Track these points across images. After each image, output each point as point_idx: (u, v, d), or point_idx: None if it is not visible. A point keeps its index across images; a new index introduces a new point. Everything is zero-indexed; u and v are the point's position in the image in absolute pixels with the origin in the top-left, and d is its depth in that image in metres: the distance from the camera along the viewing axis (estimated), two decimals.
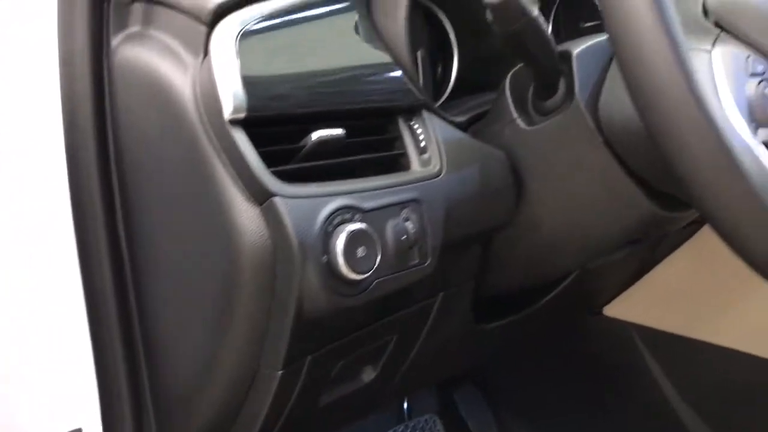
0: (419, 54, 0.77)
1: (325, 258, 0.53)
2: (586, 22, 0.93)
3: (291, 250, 0.52)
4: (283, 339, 0.56)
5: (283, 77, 0.56)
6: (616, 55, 0.47)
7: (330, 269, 0.53)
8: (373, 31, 0.63)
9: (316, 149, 0.57)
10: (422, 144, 0.64)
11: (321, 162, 0.57)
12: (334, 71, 0.60)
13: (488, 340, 0.89)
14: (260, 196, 0.52)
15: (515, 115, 0.67)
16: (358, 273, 0.54)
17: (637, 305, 1.11)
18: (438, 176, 0.63)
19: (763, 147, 0.48)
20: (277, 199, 0.52)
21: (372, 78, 0.62)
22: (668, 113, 0.45)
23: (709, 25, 0.56)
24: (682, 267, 1.03)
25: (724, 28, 0.55)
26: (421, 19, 0.78)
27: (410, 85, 0.64)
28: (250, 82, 0.54)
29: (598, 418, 1.19)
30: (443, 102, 0.79)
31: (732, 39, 0.54)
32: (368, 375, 0.75)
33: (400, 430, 1.20)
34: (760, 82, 0.51)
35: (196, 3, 0.57)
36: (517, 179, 0.69)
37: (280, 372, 0.59)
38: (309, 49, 0.59)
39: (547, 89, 0.65)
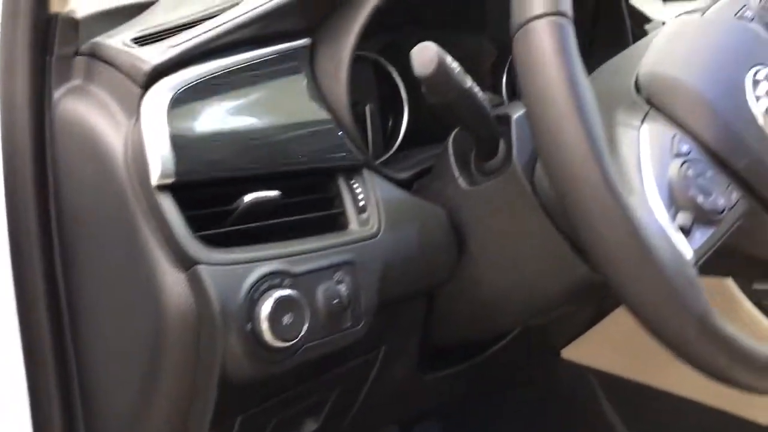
0: (367, 108, 0.77)
1: (249, 326, 0.53)
2: None
3: (213, 319, 0.52)
4: (208, 402, 0.56)
5: (215, 140, 0.57)
6: (534, 136, 0.47)
7: (254, 337, 0.53)
8: (315, 91, 0.64)
9: (250, 211, 0.57)
10: (361, 203, 0.64)
11: (253, 224, 0.57)
12: (271, 133, 0.60)
13: (437, 387, 0.89)
14: (184, 263, 0.52)
15: (457, 174, 0.68)
16: (284, 341, 0.54)
17: (596, 348, 1.12)
18: (376, 236, 0.63)
19: (679, 233, 0.49)
20: (200, 267, 0.52)
21: (311, 139, 0.62)
22: (582, 203, 0.45)
23: (641, 100, 0.56)
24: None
25: (654, 104, 0.55)
26: (372, 72, 0.78)
27: (350, 145, 0.64)
28: (179, 147, 0.54)
29: None
30: (393, 154, 0.79)
31: (661, 116, 0.55)
32: (309, 427, 0.75)
33: None
34: (683, 164, 0.51)
35: (134, 63, 0.57)
36: (458, 237, 0.69)
37: None
38: (246, 111, 0.59)
39: (487, 151, 0.65)
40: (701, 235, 0.50)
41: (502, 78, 0.91)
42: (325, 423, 0.75)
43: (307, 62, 0.65)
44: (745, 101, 0.55)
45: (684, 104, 0.54)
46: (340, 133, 0.63)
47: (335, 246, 0.60)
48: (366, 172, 0.65)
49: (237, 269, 0.54)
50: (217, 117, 0.58)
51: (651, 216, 0.48)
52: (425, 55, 0.52)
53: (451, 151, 0.69)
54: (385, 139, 0.80)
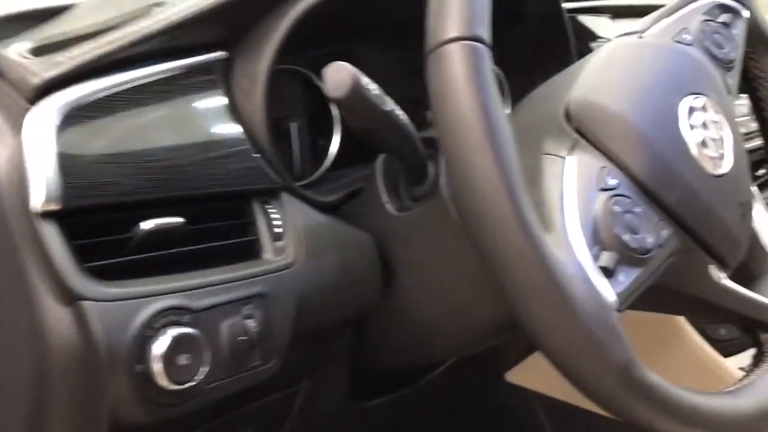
0: (292, 126, 0.73)
1: (140, 367, 0.48)
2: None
3: (98, 359, 0.47)
4: None
5: (111, 162, 0.52)
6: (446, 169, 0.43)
7: (146, 379, 0.49)
8: (229, 109, 0.59)
9: (151, 239, 0.53)
10: (277, 230, 0.59)
11: (152, 254, 0.53)
12: (176, 154, 0.55)
13: (373, 415, 0.85)
14: (68, 298, 0.48)
15: (385, 198, 0.64)
16: (179, 383, 0.49)
17: (540, 371, 1.09)
18: (291, 266, 0.58)
19: (601, 275, 0.45)
20: (85, 303, 0.47)
21: (221, 160, 0.57)
22: (493, 244, 0.42)
23: (569, 129, 0.53)
24: None
25: (582, 133, 0.52)
26: (301, 87, 0.74)
27: (266, 167, 0.60)
28: (68, 169, 0.49)
29: None
30: (323, 175, 0.75)
31: (589, 147, 0.51)
32: None
33: None
34: (609, 199, 0.48)
35: (23, 76, 0.52)
36: (386, 265, 0.65)
37: None
38: (149, 129, 0.55)
39: (416, 175, 0.62)
40: (626, 277, 0.47)
41: None
42: None
43: (222, 77, 0.60)
44: (678, 131, 0.52)
45: (613, 134, 0.51)
46: (254, 155, 0.59)
47: (244, 278, 0.55)
48: (285, 196, 0.61)
49: (128, 305, 0.49)
50: (115, 136, 0.53)
51: (570, 257, 0.45)
52: (338, 75, 0.48)
53: (379, 174, 0.65)
54: (315, 159, 0.76)
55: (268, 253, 0.59)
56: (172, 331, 0.50)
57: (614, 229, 0.47)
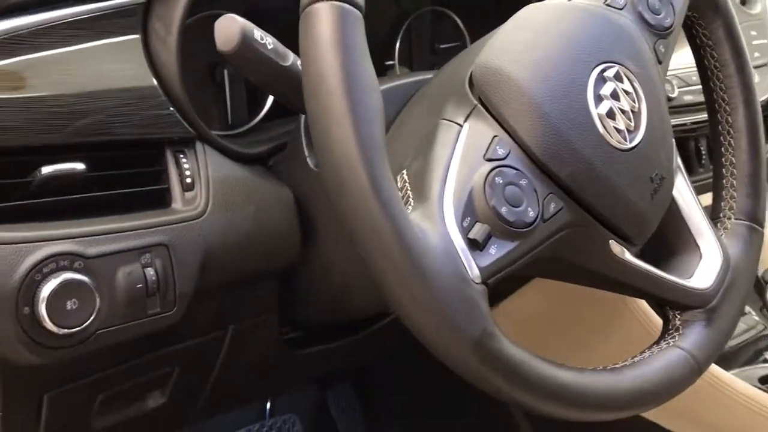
0: (225, 72, 0.72)
1: (27, 309, 0.50)
2: (442, 43, 0.88)
3: None
4: None
5: (9, 106, 0.52)
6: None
7: (32, 322, 0.50)
8: (143, 55, 0.58)
9: (51, 184, 0.53)
10: (188, 180, 0.59)
11: (50, 199, 0.53)
12: (80, 100, 0.55)
13: (311, 362, 0.86)
14: None
15: (307, 153, 0.63)
16: (64, 327, 0.51)
17: (506, 323, 1.09)
18: (200, 217, 0.59)
19: (467, 247, 0.44)
20: None
21: (129, 108, 0.57)
22: (349, 212, 0.41)
23: (471, 96, 0.51)
24: (533, 297, 1.00)
25: (482, 101, 0.51)
26: None
27: (178, 116, 0.59)
28: None
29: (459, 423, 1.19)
30: (258, 124, 0.74)
31: (486, 114, 0.50)
32: (155, 401, 0.73)
33: (256, 429, 1.19)
34: (492, 170, 0.47)
35: None
36: (307, 219, 0.65)
37: None
38: (55, 73, 0.54)
39: None
40: (498, 250, 0.46)
41: (396, 41, 0.86)
42: (172, 397, 0.73)
43: (139, 22, 0.59)
44: (582, 101, 0.50)
45: (509, 101, 0.49)
46: (165, 103, 0.59)
47: (145, 227, 0.56)
48: (199, 146, 0.61)
49: (18, 248, 0.50)
50: (17, 79, 0.53)
51: (435, 228, 0.44)
52: (228, 29, 0.47)
53: (303, 127, 0.64)
54: (255, 108, 0.75)
55: (177, 203, 0.59)
56: (60, 276, 0.50)
57: (491, 201, 0.46)
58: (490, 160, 0.48)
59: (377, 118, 0.42)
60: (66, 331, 0.51)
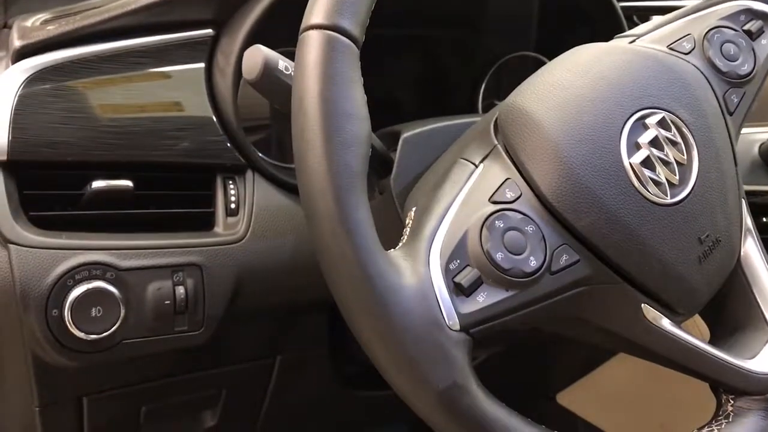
0: None
1: (55, 312, 0.53)
2: None
3: (12, 299, 0.52)
4: (29, 379, 0.57)
5: (69, 124, 0.56)
6: None
7: (59, 324, 0.53)
8: (203, 86, 0.61)
9: (100, 198, 0.57)
10: (233, 206, 0.61)
11: (95, 212, 0.57)
12: (139, 122, 0.59)
13: (364, 406, 0.85)
14: (1, 241, 0.53)
15: None
16: (87, 332, 0.53)
17: (593, 395, 1.01)
18: (238, 242, 0.60)
19: (450, 291, 0.41)
20: (12, 247, 0.53)
21: (182, 133, 0.60)
22: (318, 242, 0.40)
23: (493, 136, 0.48)
24: (630, 365, 0.92)
25: (503, 142, 0.48)
26: None
27: (229, 145, 0.61)
28: (21, 125, 0.54)
29: None
30: None
31: (503, 156, 0.47)
32: (207, 422, 0.75)
33: None
34: (495, 213, 0.44)
35: (14, 41, 0.59)
36: None
37: (37, 409, 0.60)
38: (112, 97, 0.59)
39: (380, 167, 0.60)
40: (487, 298, 0.42)
41: (480, 89, 0.84)
42: (223, 419, 0.75)
43: (205, 54, 0.63)
44: (615, 147, 0.46)
45: (528, 142, 0.46)
46: (220, 132, 0.61)
47: (181, 246, 0.58)
48: (249, 174, 0.63)
49: (54, 254, 0.54)
50: (79, 100, 0.58)
51: (417, 269, 0.41)
52: (252, 59, 0.49)
53: None
54: None
55: (219, 227, 0.61)
56: (88, 284, 0.54)
57: (486, 244, 0.42)
58: (495, 202, 0.45)
59: (356, 147, 0.40)
60: (92, 336, 0.54)
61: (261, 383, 0.74)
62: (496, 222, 0.43)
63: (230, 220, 0.61)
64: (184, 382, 0.68)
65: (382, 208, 0.59)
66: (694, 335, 0.49)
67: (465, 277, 0.42)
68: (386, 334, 0.39)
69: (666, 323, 0.48)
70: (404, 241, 0.45)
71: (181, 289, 0.57)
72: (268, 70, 0.49)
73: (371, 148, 0.58)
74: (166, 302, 0.57)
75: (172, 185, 0.60)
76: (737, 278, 0.52)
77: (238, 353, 0.68)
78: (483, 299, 0.42)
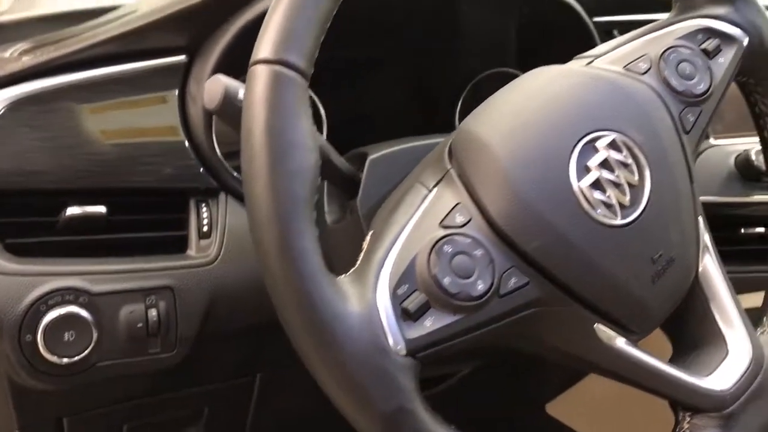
0: None
1: (29, 337, 0.55)
2: None
3: None
4: (8, 403, 0.59)
5: (42, 152, 0.58)
6: None
7: (33, 348, 0.55)
8: (176, 112, 0.63)
9: (74, 224, 0.59)
10: (205, 228, 0.63)
11: (69, 238, 0.59)
12: (109, 150, 0.60)
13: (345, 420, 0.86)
14: None
15: (326, 209, 0.64)
16: (60, 356, 0.55)
17: (582, 405, 1.01)
18: (210, 264, 0.62)
19: (397, 316, 0.42)
20: None
21: (155, 158, 0.61)
22: (265, 268, 0.41)
23: (447, 160, 0.49)
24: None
25: (456, 166, 0.48)
26: None
27: (201, 168, 0.63)
28: None
29: None
30: None
31: (456, 180, 0.48)
32: None
33: None
34: (443, 237, 0.45)
35: None
36: None
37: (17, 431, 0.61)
38: (87, 125, 0.60)
39: (348, 189, 0.61)
40: (434, 322, 0.43)
41: (456, 107, 0.85)
42: None
43: (178, 81, 0.64)
44: (564, 170, 0.47)
45: (480, 167, 0.47)
46: (192, 156, 0.63)
47: (154, 269, 0.59)
48: (222, 197, 0.64)
49: (27, 280, 0.55)
50: (53, 129, 0.59)
51: (364, 294, 0.42)
52: (212, 88, 0.50)
53: (325, 183, 0.65)
54: None
55: (192, 249, 0.62)
56: (62, 309, 0.55)
57: (434, 269, 0.43)
58: (445, 227, 0.46)
59: (302, 175, 0.42)
60: (65, 360, 0.55)
61: (243, 401, 0.75)
62: (445, 247, 0.44)
63: (203, 242, 0.63)
64: (165, 400, 0.69)
65: (351, 230, 0.60)
66: (650, 353, 0.50)
67: (412, 302, 0.43)
68: (331, 361, 0.40)
69: (620, 342, 0.49)
70: (356, 266, 0.46)
71: (153, 312, 0.59)
72: (228, 100, 0.51)
73: (338, 170, 0.59)
74: (139, 325, 0.58)
75: (146, 210, 0.62)
76: (696, 296, 0.53)
77: (216, 372, 0.70)
78: (430, 324, 0.43)
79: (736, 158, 0.80)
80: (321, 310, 0.40)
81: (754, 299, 0.60)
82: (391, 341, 0.42)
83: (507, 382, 0.99)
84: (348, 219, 0.62)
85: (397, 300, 0.43)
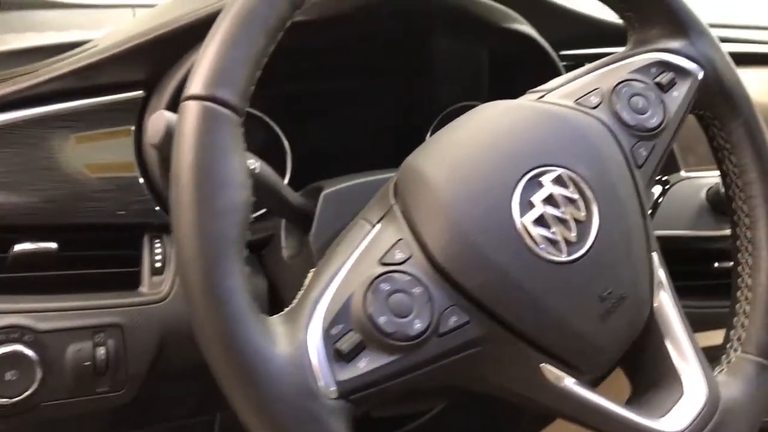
0: None
1: None
2: None
3: None
4: None
5: None
6: None
7: None
8: (131, 148, 0.63)
9: (23, 261, 0.58)
10: (158, 264, 0.62)
11: (19, 275, 0.58)
12: (62, 186, 0.60)
13: None
14: None
15: (283, 243, 0.64)
16: (4, 396, 0.54)
17: None
18: (161, 301, 0.60)
19: (324, 358, 0.40)
20: None
21: (111, 194, 0.61)
22: (192, 307, 0.40)
23: (392, 195, 0.48)
24: None
25: (400, 203, 0.48)
26: (261, 128, 0.76)
27: (156, 204, 0.62)
28: None
29: None
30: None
31: (399, 216, 0.47)
32: None
33: None
34: (381, 275, 0.43)
35: None
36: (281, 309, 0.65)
37: None
38: (39, 162, 0.60)
39: (302, 223, 0.61)
40: (369, 363, 0.42)
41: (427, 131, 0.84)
42: None
43: (135, 116, 0.64)
44: (506, 206, 0.46)
45: (422, 203, 0.46)
46: (146, 192, 0.62)
47: (102, 307, 0.58)
48: None
49: None
50: (7, 165, 0.59)
51: (286, 334, 0.41)
52: (156, 124, 0.50)
53: (283, 220, 0.65)
54: None
55: (144, 286, 0.61)
56: (4, 348, 0.54)
57: (370, 308, 0.42)
58: (385, 264, 0.45)
59: (230, 214, 0.41)
60: (6, 400, 0.54)
61: None
62: (382, 284, 0.43)
63: (155, 279, 0.62)
64: None
65: (305, 266, 0.59)
66: (601, 394, 0.48)
67: (346, 343, 0.42)
68: (256, 404, 0.39)
69: (569, 383, 0.47)
70: (292, 305, 0.45)
71: (101, 350, 0.57)
72: (170, 136, 0.50)
73: (290, 205, 0.59)
74: (86, 363, 0.57)
75: (99, 246, 0.61)
76: (651, 334, 0.52)
77: (171, 411, 0.68)
78: (364, 365, 0.42)
79: (707, 191, 0.79)
80: (246, 352, 0.39)
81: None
82: (321, 383, 0.41)
83: (485, 415, 0.97)
84: (304, 254, 0.61)
85: (330, 340, 0.42)
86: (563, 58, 0.79)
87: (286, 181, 0.77)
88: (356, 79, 0.81)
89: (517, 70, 0.80)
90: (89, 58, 0.63)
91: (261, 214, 0.75)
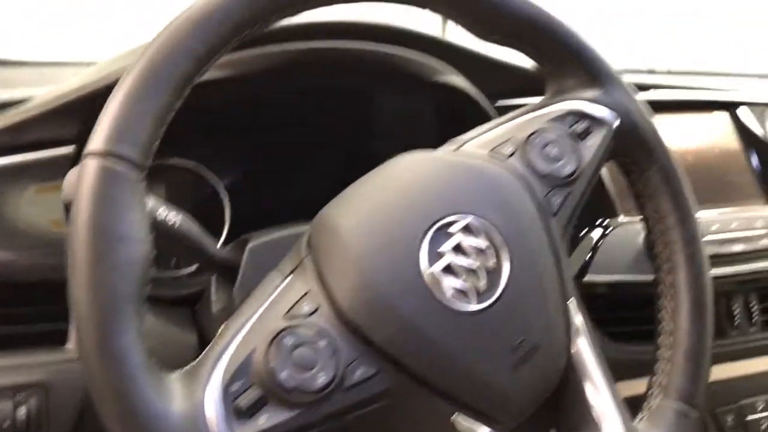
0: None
1: None
2: None
3: None
4: None
5: None
6: None
7: None
8: (60, 204, 0.62)
9: None
10: None
11: None
12: None
13: None
14: None
15: (213, 297, 0.63)
16: None
17: None
18: None
19: (222, 416, 0.40)
20: None
21: (37, 251, 0.61)
22: (86, 368, 0.40)
23: (303, 248, 0.49)
24: None
25: (311, 254, 0.48)
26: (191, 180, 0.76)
27: None
28: None
29: None
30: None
31: (309, 267, 0.47)
32: None
33: None
34: (285, 329, 0.43)
35: None
36: None
37: None
38: None
39: (229, 277, 0.60)
40: (269, 419, 0.41)
41: None
42: None
43: (66, 171, 0.64)
44: (414, 257, 0.46)
45: (331, 255, 0.46)
46: None
47: (29, 365, 0.58)
48: None
49: None
50: None
51: (183, 391, 0.41)
52: (70, 179, 0.50)
53: (215, 274, 0.64)
54: None
55: (72, 342, 0.61)
56: None
57: (272, 362, 0.42)
58: (291, 317, 0.44)
59: (127, 269, 0.41)
60: None
61: None
62: (286, 338, 0.43)
63: None
64: None
65: None
66: None
67: (245, 399, 0.41)
68: None
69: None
70: (195, 361, 0.45)
71: (22, 410, 0.56)
72: None
73: (213, 258, 0.59)
74: (6, 424, 0.56)
75: (24, 302, 0.60)
76: (568, 382, 0.51)
77: None
78: (264, 421, 0.41)
79: (645, 236, 0.79)
80: (139, 409, 0.39)
81: None
82: None
83: None
84: (231, 308, 0.60)
85: (229, 397, 0.42)
86: (502, 109, 0.81)
87: (224, 233, 0.77)
88: (297, 133, 0.82)
89: (459, 123, 0.82)
90: (21, 115, 0.63)
91: (196, 270, 0.75)
